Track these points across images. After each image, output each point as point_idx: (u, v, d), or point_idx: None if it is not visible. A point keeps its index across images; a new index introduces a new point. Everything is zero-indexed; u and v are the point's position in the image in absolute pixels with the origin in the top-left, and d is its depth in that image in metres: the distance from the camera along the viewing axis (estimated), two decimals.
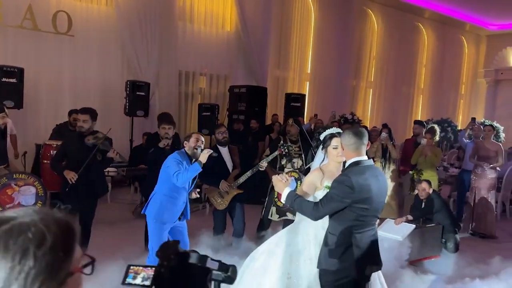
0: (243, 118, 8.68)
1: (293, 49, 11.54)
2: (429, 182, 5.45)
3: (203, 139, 3.91)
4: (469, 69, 16.74)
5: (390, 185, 6.70)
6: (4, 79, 6.74)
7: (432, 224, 5.07)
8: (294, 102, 9.75)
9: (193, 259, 0.95)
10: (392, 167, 6.73)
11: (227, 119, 9.27)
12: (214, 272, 1.00)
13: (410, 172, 6.65)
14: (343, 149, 2.67)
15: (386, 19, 13.40)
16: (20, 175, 5.12)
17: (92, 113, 4.37)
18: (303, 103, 10.05)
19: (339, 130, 3.01)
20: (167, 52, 9.03)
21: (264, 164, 4.69)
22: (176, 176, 3.60)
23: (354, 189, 2.46)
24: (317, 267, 2.62)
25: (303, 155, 4.96)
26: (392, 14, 13.39)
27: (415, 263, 4.80)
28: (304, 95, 10.36)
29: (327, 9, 11.92)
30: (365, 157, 2.62)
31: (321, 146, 3.07)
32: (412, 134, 7.35)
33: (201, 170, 3.70)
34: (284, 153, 4.69)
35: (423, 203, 5.34)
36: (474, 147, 6.79)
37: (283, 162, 4.93)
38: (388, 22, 13.42)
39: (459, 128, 11.92)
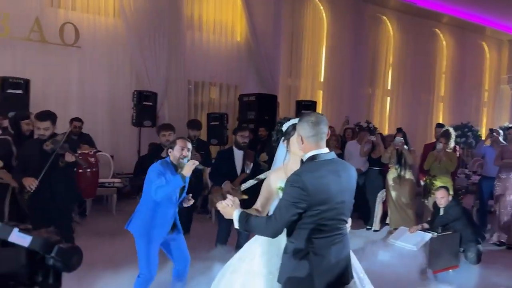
0: (252, 127, 8.43)
1: (305, 57, 11.29)
2: (447, 189, 5.07)
3: (190, 145, 3.52)
4: (491, 75, 16.13)
5: (406, 192, 6.31)
6: (10, 91, 6.76)
7: (449, 232, 4.66)
8: (305, 109, 9.45)
9: None
10: (409, 173, 6.33)
11: None
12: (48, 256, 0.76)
13: (424, 179, 6.26)
14: (302, 142, 2.20)
15: (401, 26, 13.05)
16: None
17: (53, 118, 3.95)
18: (314, 110, 9.75)
19: None
20: (175, 62, 8.93)
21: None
22: (155, 191, 3.23)
23: (308, 191, 2.04)
24: (277, 281, 2.21)
25: None
26: (407, 20, 13.03)
27: (434, 274, 4.42)
28: (315, 102, 10.07)
29: (340, 16, 11.67)
30: (324, 150, 2.18)
31: (282, 138, 2.58)
32: (435, 139, 7.00)
33: (183, 184, 3.32)
34: None
35: (441, 211, 4.95)
36: (499, 151, 6.42)
37: None
38: (404, 28, 13.06)
39: (480, 133, 11.40)
